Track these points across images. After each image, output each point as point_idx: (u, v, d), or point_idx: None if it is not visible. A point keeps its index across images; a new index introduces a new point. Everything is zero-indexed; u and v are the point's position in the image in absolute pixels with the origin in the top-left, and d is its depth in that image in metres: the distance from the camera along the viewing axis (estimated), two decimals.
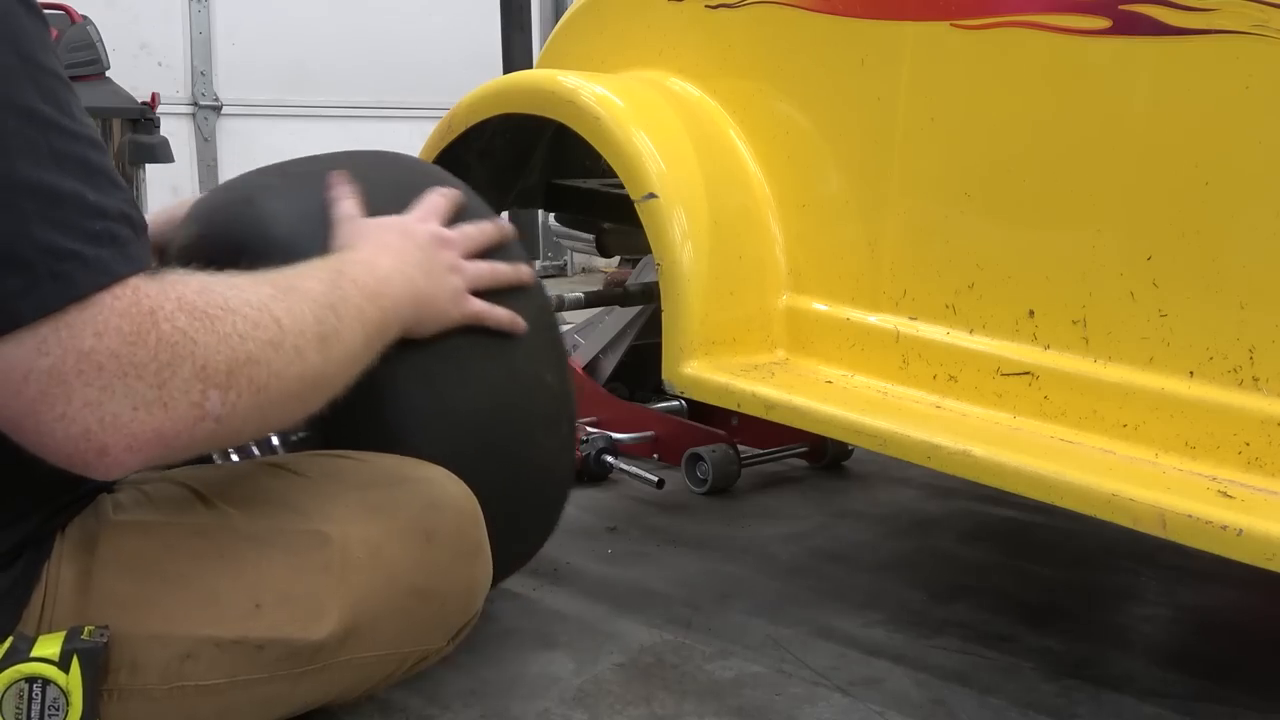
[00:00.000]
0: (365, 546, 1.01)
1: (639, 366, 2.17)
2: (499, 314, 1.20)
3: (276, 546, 0.98)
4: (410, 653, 1.07)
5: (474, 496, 1.11)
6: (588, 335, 2.32)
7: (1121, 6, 1.16)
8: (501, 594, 1.50)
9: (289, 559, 0.98)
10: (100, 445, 0.78)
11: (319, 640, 0.98)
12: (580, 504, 1.90)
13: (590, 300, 1.91)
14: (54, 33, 1.00)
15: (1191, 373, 1.14)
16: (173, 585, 0.94)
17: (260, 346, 0.85)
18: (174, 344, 0.80)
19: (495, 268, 1.21)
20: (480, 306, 1.18)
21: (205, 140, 4.72)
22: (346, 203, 1.17)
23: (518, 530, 1.28)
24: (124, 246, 0.80)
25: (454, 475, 1.12)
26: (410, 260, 1.11)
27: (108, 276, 0.78)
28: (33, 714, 0.84)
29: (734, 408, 1.37)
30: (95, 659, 0.87)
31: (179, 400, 0.80)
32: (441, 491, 1.09)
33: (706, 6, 1.56)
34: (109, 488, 1.00)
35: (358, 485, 1.06)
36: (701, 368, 1.40)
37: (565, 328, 2.47)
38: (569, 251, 5.09)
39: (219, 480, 1.03)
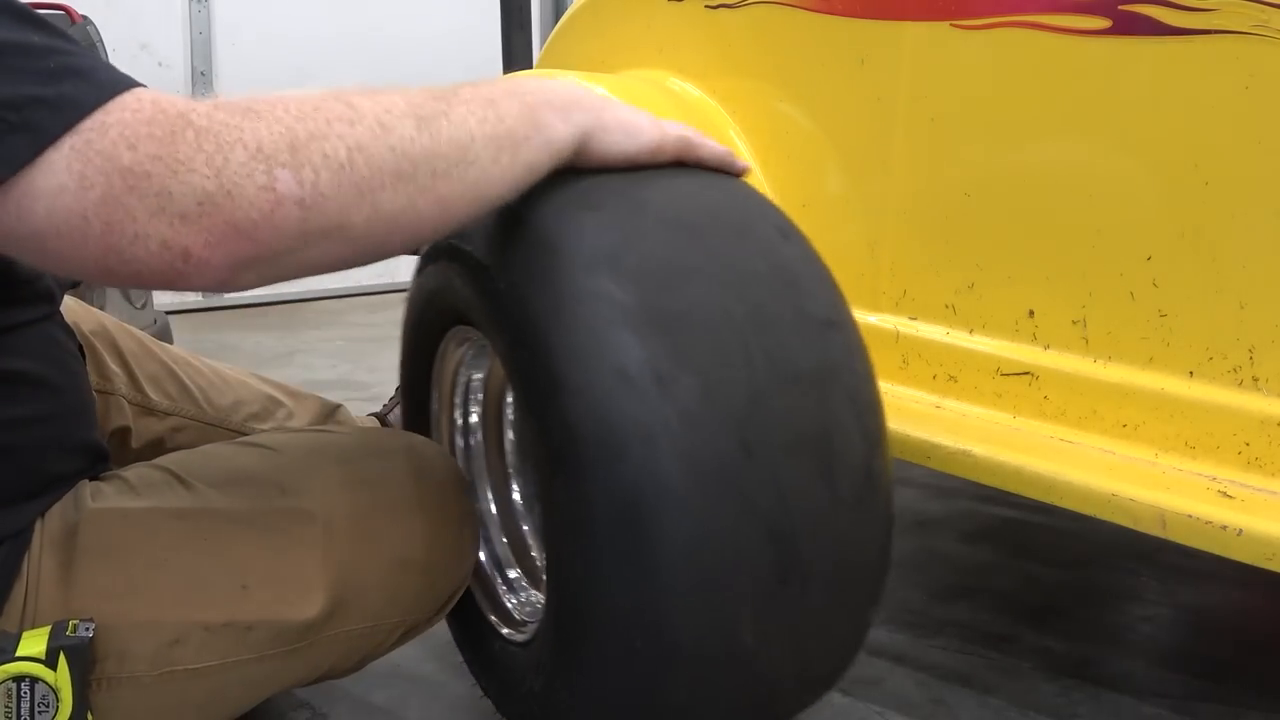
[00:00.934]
0: (350, 520, 1.00)
1: None
2: (713, 147, 0.98)
3: (260, 526, 0.97)
4: (400, 623, 1.06)
5: (457, 465, 1.09)
6: None
7: (1121, 6, 1.15)
8: None
9: (273, 538, 0.97)
10: (182, 250, 0.74)
11: (308, 618, 0.97)
12: None
13: None
14: None
15: (1191, 373, 1.14)
16: (157, 571, 0.93)
17: (325, 123, 0.78)
18: (216, 133, 0.75)
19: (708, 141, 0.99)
20: (690, 133, 0.97)
21: None
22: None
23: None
24: (114, 70, 0.77)
25: (435, 444, 1.11)
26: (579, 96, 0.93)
27: (115, 88, 0.75)
28: (23, 712, 0.84)
29: None
30: (82, 654, 0.86)
31: (243, 185, 0.74)
32: (424, 461, 1.08)
33: (706, 6, 1.56)
34: (91, 475, 0.99)
35: (339, 459, 1.05)
36: None
37: None
38: None
39: (198, 463, 1.02)
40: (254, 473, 1.02)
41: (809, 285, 0.93)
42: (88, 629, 0.88)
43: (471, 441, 1.24)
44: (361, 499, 1.03)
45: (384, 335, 3.57)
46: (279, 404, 1.50)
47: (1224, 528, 0.99)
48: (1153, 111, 1.16)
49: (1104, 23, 1.17)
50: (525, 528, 1.20)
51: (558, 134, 0.89)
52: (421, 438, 1.12)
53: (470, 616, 1.15)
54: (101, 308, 1.59)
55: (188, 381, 1.42)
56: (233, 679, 0.96)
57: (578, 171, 0.91)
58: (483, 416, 1.25)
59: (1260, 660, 1.40)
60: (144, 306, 2.66)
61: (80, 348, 1.15)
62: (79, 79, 0.76)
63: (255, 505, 0.98)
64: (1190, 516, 1.01)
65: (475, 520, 1.09)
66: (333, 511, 1.00)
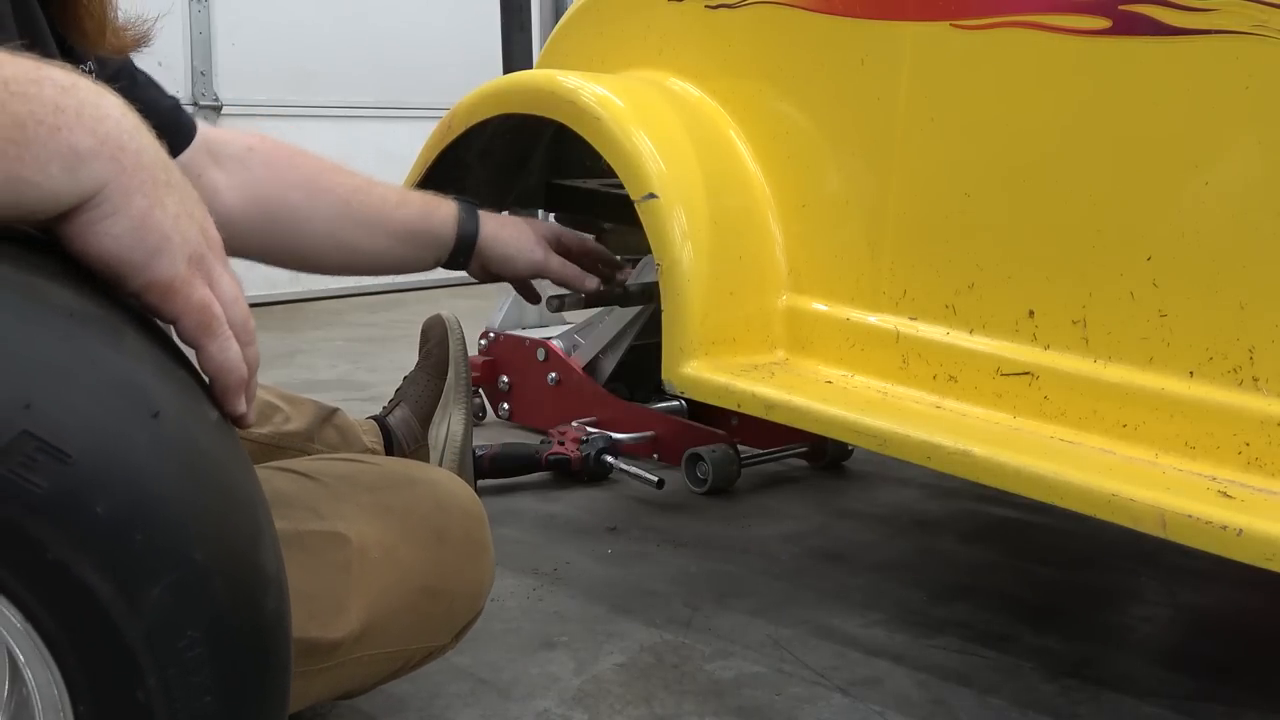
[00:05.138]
0: (380, 547, 1.03)
1: (639, 366, 2.17)
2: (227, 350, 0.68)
3: (295, 546, 0.98)
4: (418, 649, 1.08)
5: (478, 498, 1.12)
6: (588, 335, 2.32)
7: (1121, 6, 1.16)
8: (502, 593, 1.50)
9: (309, 559, 0.99)
10: None
11: (338, 638, 0.99)
12: (580, 504, 1.90)
13: (590, 300, 1.91)
14: None
15: (1191, 373, 1.14)
16: None
17: None
18: None
19: (249, 318, 0.71)
20: (206, 295, 0.66)
21: None
22: None
23: None
24: None
25: (458, 477, 1.13)
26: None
27: None
28: None
29: (734, 408, 1.37)
30: None
31: None
32: (448, 493, 1.11)
33: (706, 6, 1.56)
34: None
35: (369, 488, 1.08)
36: (701, 368, 1.40)
37: (565, 328, 2.47)
38: None
39: None
40: (289, 496, 1.04)
41: None
42: None
43: None
44: (390, 526, 1.05)
45: (384, 335, 3.57)
46: (275, 408, 1.51)
47: (1224, 528, 0.99)
48: (1153, 111, 1.16)
49: (1104, 23, 1.17)
50: None
51: (42, 179, 0.59)
52: (445, 471, 1.14)
53: None
54: None
55: None
56: None
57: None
58: None
59: (1260, 660, 1.40)
60: None
61: None
62: None
63: (291, 526, 0.99)
64: (1190, 516, 1.01)
65: (492, 552, 1.11)
66: (364, 537, 1.02)
